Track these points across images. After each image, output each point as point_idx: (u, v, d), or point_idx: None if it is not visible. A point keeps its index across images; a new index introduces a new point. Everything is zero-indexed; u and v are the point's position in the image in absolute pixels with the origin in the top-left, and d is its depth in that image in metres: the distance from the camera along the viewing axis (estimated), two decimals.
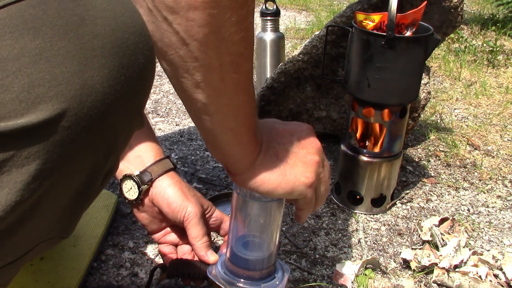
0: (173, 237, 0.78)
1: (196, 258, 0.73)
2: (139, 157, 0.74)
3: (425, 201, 1.14)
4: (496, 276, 0.87)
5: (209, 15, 0.40)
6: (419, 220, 1.05)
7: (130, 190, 0.72)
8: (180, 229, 0.76)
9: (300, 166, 0.57)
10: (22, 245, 0.40)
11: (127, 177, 0.72)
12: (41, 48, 0.33)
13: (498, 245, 0.99)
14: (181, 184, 0.74)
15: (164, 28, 0.41)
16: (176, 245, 0.78)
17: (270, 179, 0.56)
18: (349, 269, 0.85)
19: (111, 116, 0.38)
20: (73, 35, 0.34)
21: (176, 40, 0.42)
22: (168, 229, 0.77)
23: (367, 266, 0.89)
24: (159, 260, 0.88)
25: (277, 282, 0.68)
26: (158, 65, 0.45)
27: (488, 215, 1.10)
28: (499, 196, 1.18)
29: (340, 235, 0.99)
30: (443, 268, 0.86)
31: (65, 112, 0.34)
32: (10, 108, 0.32)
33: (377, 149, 1.03)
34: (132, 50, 0.38)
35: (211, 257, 0.71)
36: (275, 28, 1.59)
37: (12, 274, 0.42)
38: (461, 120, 1.61)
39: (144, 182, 0.72)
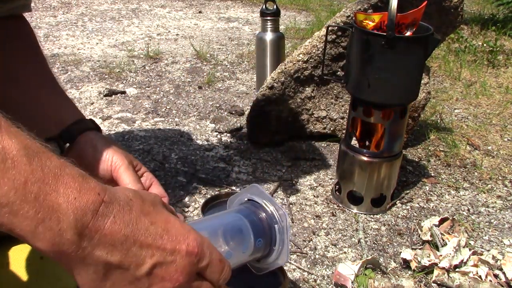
0: None
1: None
2: (57, 118, 0.70)
3: (425, 201, 1.14)
4: (496, 276, 0.87)
5: None
6: (419, 220, 1.05)
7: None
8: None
9: None
10: None
11: (48, 140, 0.67)
12: None
13: (498, 245, 0.99)
14: (107, 139, 0.70)
15: None
16: None
17: None
18: (349, 269, 0.85)
19: None
20: None
21: None
22: None
23: (367, 266, 0.89)
24: None
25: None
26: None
27: (488, 215, 1.10)
28: (499, 196, 1.18)
29: (340, 235, 0.99)
30: (443, 268, 0.86)
31: None
32: None
33: (377, 149, 1.03)
34: None
35: None
36: (275, 28, 1.59)
37: None
38: (461, 120, 1.61)
39: (66, 140, 0.68)
